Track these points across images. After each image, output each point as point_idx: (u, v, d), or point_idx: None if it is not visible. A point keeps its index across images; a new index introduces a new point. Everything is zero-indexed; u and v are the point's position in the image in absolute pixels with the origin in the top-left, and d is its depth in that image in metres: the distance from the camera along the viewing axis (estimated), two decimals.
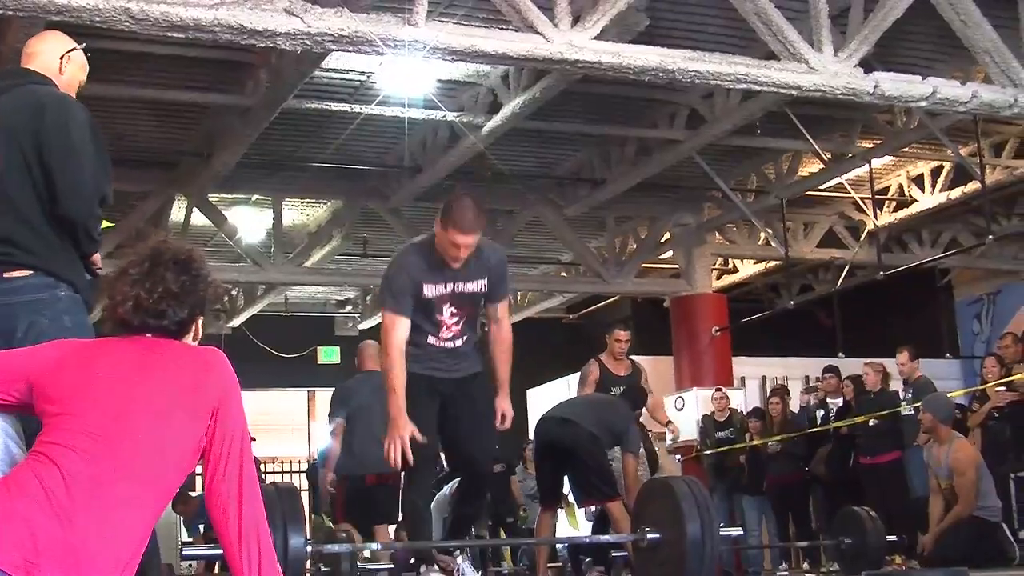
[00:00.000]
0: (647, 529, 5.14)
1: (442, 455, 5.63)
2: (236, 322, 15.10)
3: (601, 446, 7.42)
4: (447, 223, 4.87)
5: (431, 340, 5.01)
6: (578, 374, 9.02)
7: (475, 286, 5.03)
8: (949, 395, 9.51)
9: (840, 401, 10.63)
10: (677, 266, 14.27)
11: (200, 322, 2.70)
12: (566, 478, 7.47)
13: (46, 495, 2.30)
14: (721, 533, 5.08)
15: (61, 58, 3.43)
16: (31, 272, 3.15)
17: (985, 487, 8.11)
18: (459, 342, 5.09)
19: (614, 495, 7.31)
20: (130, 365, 2.51)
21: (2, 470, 2.47)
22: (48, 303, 3.12)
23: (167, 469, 2.46)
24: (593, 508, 8.05)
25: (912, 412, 9.20)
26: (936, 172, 13.08)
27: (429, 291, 4.94)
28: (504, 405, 5.10)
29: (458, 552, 5.22)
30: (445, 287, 4.97)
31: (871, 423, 9.61)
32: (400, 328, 4.88)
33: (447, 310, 5.01)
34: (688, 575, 4.87)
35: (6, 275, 3.14)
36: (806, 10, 7.52)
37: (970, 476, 8.02)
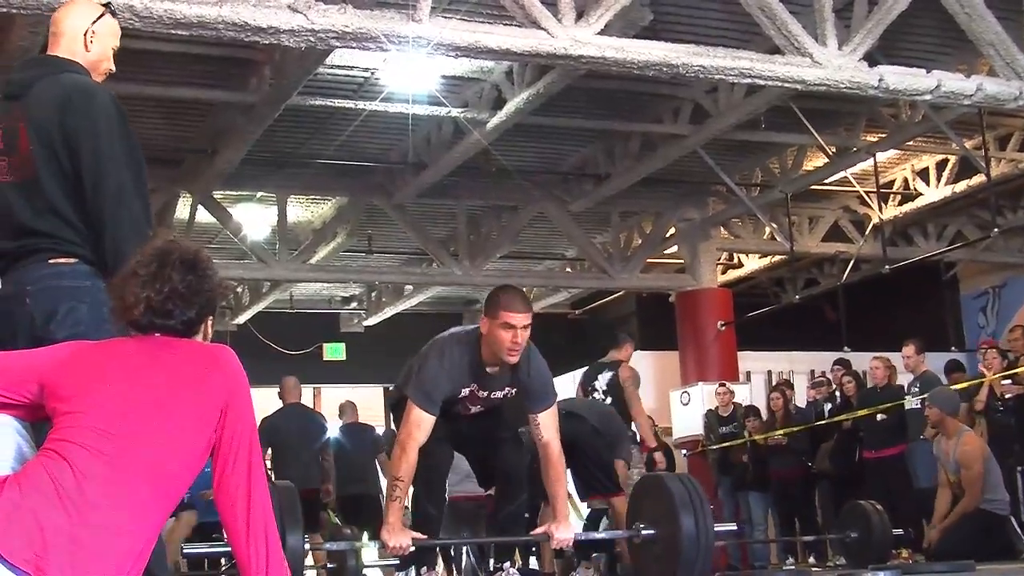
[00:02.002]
0: (641, 525, 5.15)
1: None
2: (242, 319, 15.12)
3: (605, 442, 7.44)
4: (497, 307, 4.68)
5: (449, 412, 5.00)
6: (584, 370, 9.16)
7: (503, 393, 4.98)
8: (954, 386, 9.50)
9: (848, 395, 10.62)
10: (682, 261, 14.27)
11: (210, 322, 2.70)
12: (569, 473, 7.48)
13: (56, 491, 2.31)
14: (716, 528, 5.07)
15: (85, 34, 3.34)
16: (76, 260, 3.16)
17: (993, 480, 8.10)
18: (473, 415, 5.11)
19: (617, 490, 7.33)
20: (140, 364, 2.52)
21: (13, 467, 2.47)
22: (90, 291, 3.12)
23: (177, 466, 2.47)
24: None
25: (918, 406, 9.19)
26: (941, 165, 13.07)
27: (462, 393, 4.88)
28: (557, 530, 4.92)
29: (508, 563, 5.19)
30: (476, 389, 4.90)
31: (878, 417, 9.61)
32: (427, 427, 4.72)
33: (473, 408, 4.99)
34: (683, 570, 4.88)
35: (51, 260, 3.15)
36: (810, 4, 7.52)
37: (976, 469, 8.01)
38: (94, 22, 3.35)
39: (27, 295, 3.13)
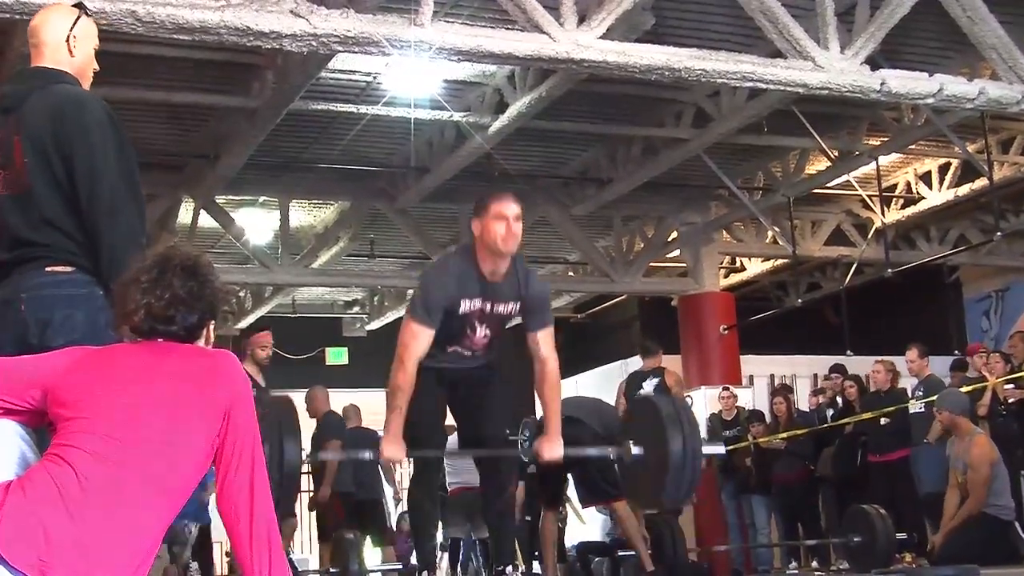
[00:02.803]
0: (631, 444, 5.23)
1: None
2: (244, 323, 15.11)
3: (606, 444, 7.46)
4: (487, 204, 4.75)
5: (451, 348, 4.93)
6: (626, 380, 9.35)
7: (508, 308, 4.91)
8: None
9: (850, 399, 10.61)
10: (684, 265, 14.26)
11: (212, 326, 2.71)
12: (569, 477, 7.49)
13: (60, 495, 2.32)
14: (704, 450, 5.17)
15: (67, 40, 3.33)
16: (73, 269, 3.15)
17: (999, 485, 8.08)
18: (479, 353, 5.01)
19: (619, 494, 7.33)
20: (143, 369, 2.52)
21: (16, 472, 2.48)
22: (86, 299, 3.12)
23: (180, 471, 2.48)
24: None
25: (922, 409, 9.18)
26: (944, 169, 13.06)
27: (464, 306, 4.81)
28: (547, 447, 4.97)
29: (511, 567, 5.15)
30: (481, 304, 4.83)
31: (882, 421, 9.60)
32: (423, 340, 4.74)
33: (480, 330, 4.91)
34: (671, 488, 5.00)
35: (48, 268, 3.15)
36: (812, 8, 7.52)
37: (983, 473, 7.99)
38: (72, 27, 3.35)
39: (21, 302, 3.12)
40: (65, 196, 3.15)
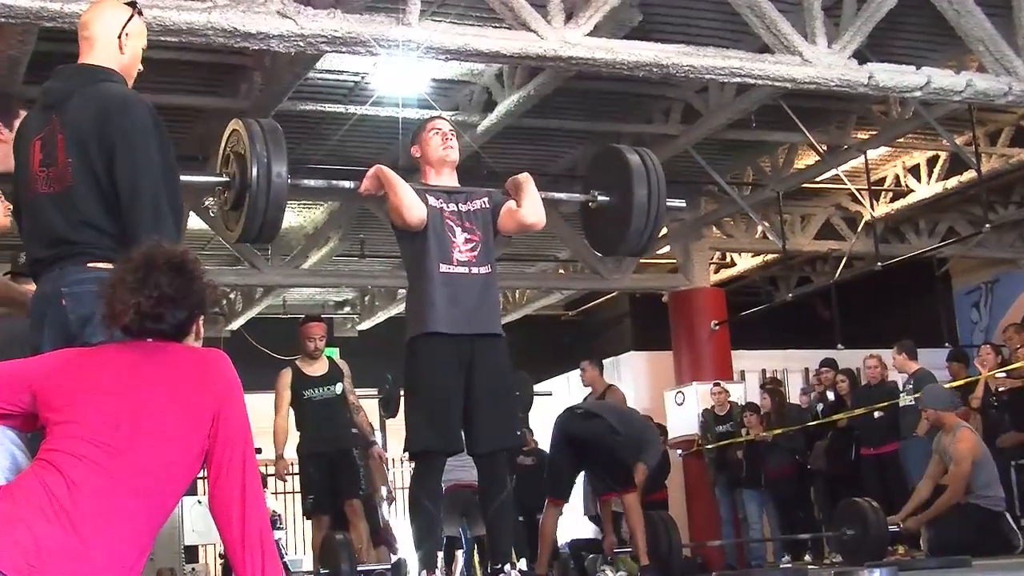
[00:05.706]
0: (597, 193, 5.39)
1: None
2: (235, 325, 15.08)
3: (622, 440, 7.52)
4: (423, 126, 5.01)
5: (443, 268, 4.73)
6: (577, 372, 9.38)
7: (479, 203, 4.92)
8: (948, 384, 9.52)
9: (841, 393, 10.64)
10: (675, 261, 14.27)
11: (201, 321, 2.70)
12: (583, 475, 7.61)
13: (49, 500, 2.31)
14: (668, 203, 5.31)
15: (119, 37, 3.33)
16: (111, 265, 3.15)
17: (987, 476, 8.09)
18: (475, 270, 4.80)
19: (632, 487, 7.42)
20: (132, 371, 2.52)
21: (7, 478, 2.47)
22: None
23: (171, 474, 2.47)
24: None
25: (912, 403, 9.21)
26: (932, 162, 13.08)
27: (432, 200, 4.79)
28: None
29: (509, 566, 5.03)
30: (448, 203, 4.82)
31: (876, 415, 9.62)
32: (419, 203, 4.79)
33: (459, 233, 4.80)
34: (632, 236, 5.23)
35: (89, 264, 3.14)
36: (799, 2, 7.53)
37: (964, 468, 7.99)
38: (125, 24, 3.35)
39: (63, 296, 3.11)
40: (104, 195, 3.14)
